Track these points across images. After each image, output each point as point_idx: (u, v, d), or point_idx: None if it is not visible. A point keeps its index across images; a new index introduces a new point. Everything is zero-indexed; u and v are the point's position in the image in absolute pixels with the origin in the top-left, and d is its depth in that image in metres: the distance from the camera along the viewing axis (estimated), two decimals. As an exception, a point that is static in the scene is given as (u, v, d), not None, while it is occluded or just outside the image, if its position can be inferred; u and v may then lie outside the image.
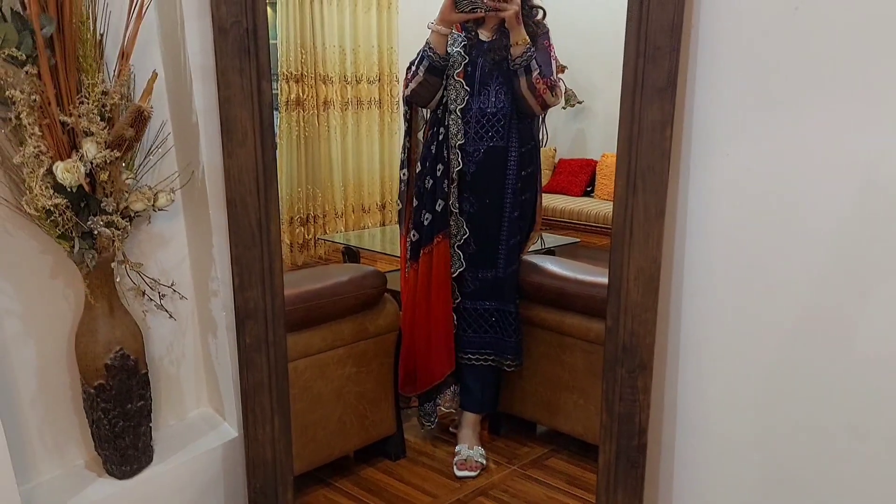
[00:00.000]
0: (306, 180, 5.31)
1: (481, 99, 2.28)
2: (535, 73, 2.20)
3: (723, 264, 1.46)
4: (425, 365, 2.48)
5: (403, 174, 2.48)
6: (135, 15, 1.35)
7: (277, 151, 5.23)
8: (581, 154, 6.43)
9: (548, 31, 2.32)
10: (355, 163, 5.58)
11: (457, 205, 2.35)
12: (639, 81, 1.43)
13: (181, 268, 1.66)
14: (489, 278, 2.41)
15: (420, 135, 2.47)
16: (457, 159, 2.30)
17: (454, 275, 2.40)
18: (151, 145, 1.53)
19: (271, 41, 5.88)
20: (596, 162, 6.14)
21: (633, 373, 1.50)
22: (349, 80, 5.39)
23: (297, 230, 5.29)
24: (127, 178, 1.43)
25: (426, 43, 2.28)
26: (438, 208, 2.35)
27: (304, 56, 5.11)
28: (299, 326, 2.22)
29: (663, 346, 1.52)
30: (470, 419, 2.53)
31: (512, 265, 2.43)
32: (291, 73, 5.07)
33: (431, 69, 2.26)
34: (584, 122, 6.51)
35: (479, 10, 2.17)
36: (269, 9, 5.97)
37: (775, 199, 1.39)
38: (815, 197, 1.33)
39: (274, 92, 5.13)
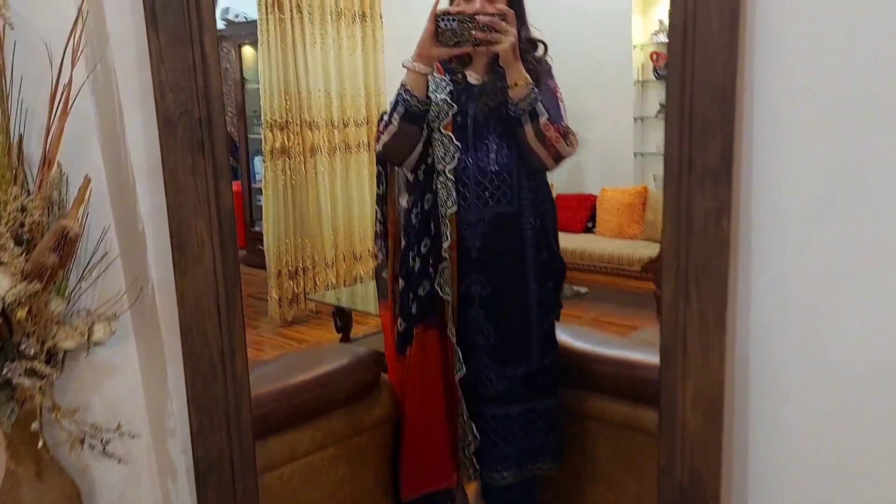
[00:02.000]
0: (294, 231, 5.04)
1: (478, 156, 1.86)
2: (543, 119, 1.78)
3: (798, 381, 1.19)
4: (418, 469, 2.09)
5: (380, 247, 2.09)
6: (58, 112, 1.07)
7: (263, 201, 4.99)
8: (579, 189, 6.17)
9: (551, 69, 1.92)
10: (345, 209, 5.33)
11: (447, 290, 1.90)
12: (685, 162, 1.16)
13: (133, 399, 1.36)
14: (519, 376, 1.94)
15: (403, 200, 2.03)
16: (447, 232, 1.87)
17: (459, 376, 1.95)
18: (91, 257, 1.24)
19: (253, 85, 5.67)
20: (595, 197, 5.90)
21: (695, 520, 1.21)
22: (336, 124, 5.15)
23: (286, 284, 5.01)
24: (56, 308, 1.15)
25: (401, 85, 1.82)
26: (422, 292, 1.93)
27: (288, 102, 4.87)
28: (283, 426, 1.92)
29: (728, 485, 1.24)
30: None
31: (549, 355, 1.98)
32: (275, 121, 4.83)
33: (409, 116, 1.81)
34: (581, 154, 6.23)
35: (465, 44, 1.73)
36: (251, 48, 5.76)
37: (859, 300, 1.12)
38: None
39: (257, 137, 4.89)
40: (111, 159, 1.24)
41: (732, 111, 1.10)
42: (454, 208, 1.86)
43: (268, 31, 4.76)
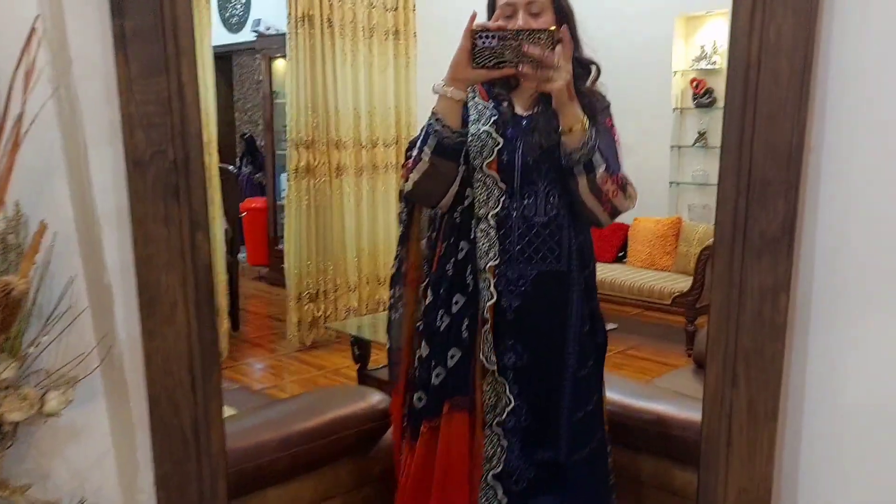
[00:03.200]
0: (316, 253, 4.91)
1: (525, 202, 1.57)
2: (600, 170, 1.50)
3: (855, 484, 1.02)
4: None
5: (395, 293, 1.77)
6: (8, 147, 0.93)
7: (286, 223, 4.87)
8: (611, 217, 6.01)
9: (609, 106, 1.64)
10: (370, 231, 5.19)
11: (493, 359, 1.58)
12: (739, 229, 0.99)
13: (102, 466, 1.21)
14: (548, 462, 1.64)
15: (424, 243, 1.75)
16: (487, 289, 1.57)
17: (497, 470, 1.62)
18: (53, 310, 1.10)
19: (282, 100, 5.57)
20: (628, 226, 5.73)
21: None
22: (364, 144, 5.03)
23: (306, 307, 4.88)
24: (5, 371, 1.01)
25: (432, 114, 1.55)
26: (452, 362, 1.61)
27: (315, 120, 4.76)
28: (285, 476, 1.83)
29: None
30: None
31: (581, 448, 1.65)
32: (301, 139, 4.72)
33: (441, 150, 1.53)
34: (614, 182, 6.09)
35: (507, 66, 1.45)
36: (282, 60, 5.66)
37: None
38: None
39: (285, 152, 4.80)
40: (80, 200, 1.11)
41: (798, 173, 0.93)
42: (496, 261, 1.57)
43: (297, 45, 4.64)
